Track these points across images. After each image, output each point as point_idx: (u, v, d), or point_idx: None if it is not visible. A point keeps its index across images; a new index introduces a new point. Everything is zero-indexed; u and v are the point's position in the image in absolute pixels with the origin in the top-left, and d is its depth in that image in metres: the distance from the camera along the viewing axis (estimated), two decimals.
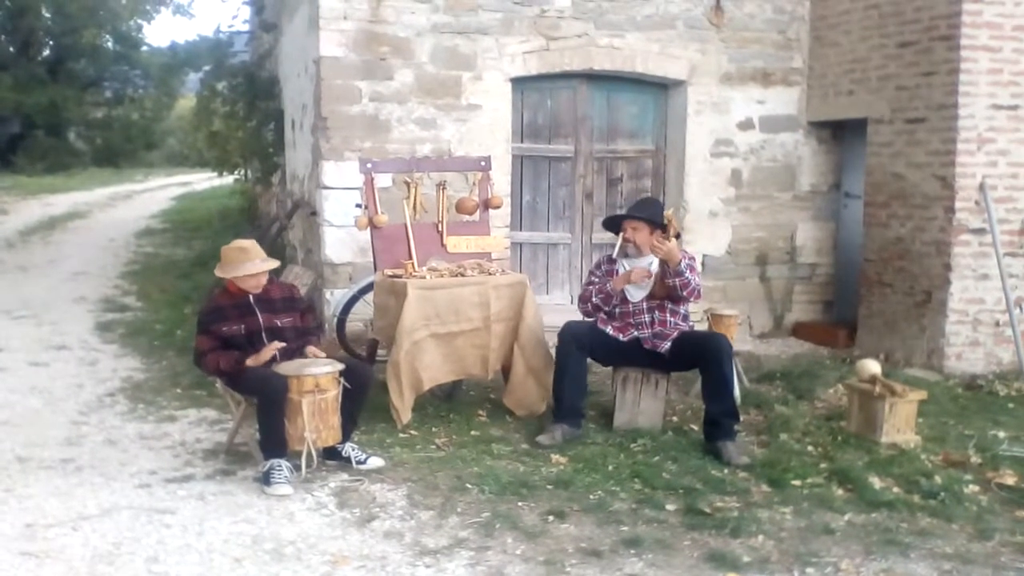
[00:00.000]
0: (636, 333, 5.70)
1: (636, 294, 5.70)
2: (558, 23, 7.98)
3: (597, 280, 5.81)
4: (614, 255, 5.82)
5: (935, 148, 7.27)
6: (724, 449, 5.25)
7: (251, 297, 5.10)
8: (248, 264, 5.05)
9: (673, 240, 5.46)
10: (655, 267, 5.61)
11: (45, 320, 8.88)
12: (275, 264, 5.22)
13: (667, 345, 5.65)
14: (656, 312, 5.68)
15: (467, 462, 5.12)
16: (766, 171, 8.70)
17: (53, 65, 31.58)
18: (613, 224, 5.90)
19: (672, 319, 5.69)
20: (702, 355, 5.50)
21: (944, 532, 4.34)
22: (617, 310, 5.74)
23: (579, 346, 5.63)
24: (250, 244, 5.21)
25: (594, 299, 5.77)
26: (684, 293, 5.53)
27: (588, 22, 8.05)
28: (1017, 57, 7.12)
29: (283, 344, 4.98)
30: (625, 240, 5.72)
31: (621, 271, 5.73)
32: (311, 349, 5.12)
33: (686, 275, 5.47)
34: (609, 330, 5.73)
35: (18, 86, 28.43)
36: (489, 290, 5.84)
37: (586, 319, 5.88)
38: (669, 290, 5.56)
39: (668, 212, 5.61)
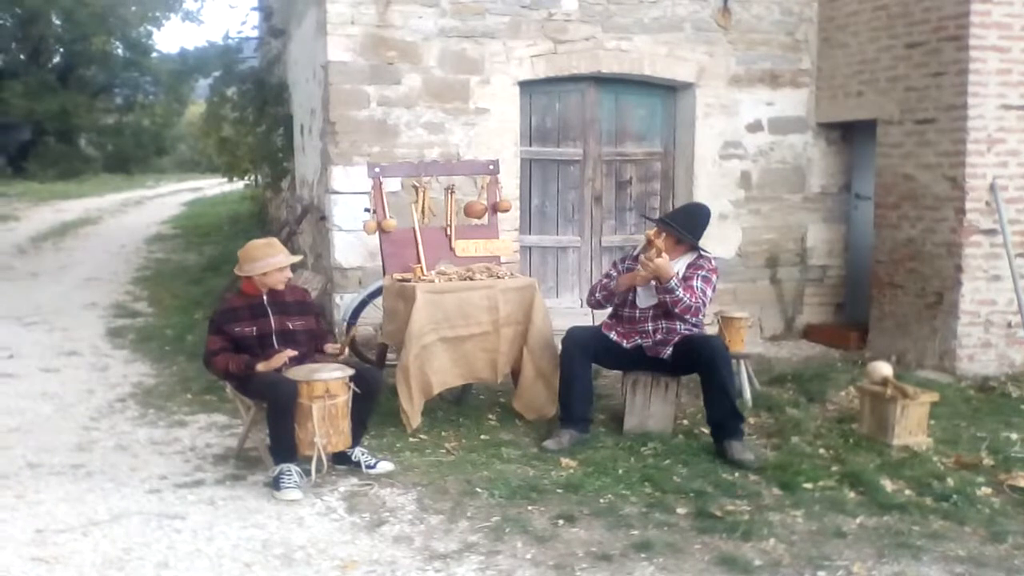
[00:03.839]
0: (639, 341, 5.67)
1: (645, 299, 5.66)
2: (565, 26, 7.98)
3: (615, 274, 5.80)
4: (635, 253, 5.81)
5: (945, 149, 7.24)
6: (729, 447, 5.24)
7: (265, 299, 5.13)
8: (275, 258, 5.12)
9: (665, 256, 5.37)
10: (680, 274, 5.55)
11: (56, 326, 8.92)
12: (299, 258, 5.39)
13: (669, 351, 5.62)
14: (663, 320, 5.62)
15: (477, 466, 5.12)
16: (775, 173, 8.67)
17: (63, 72, 31.81)
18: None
19: (681, 325, 5.62)
20: (697, 361, 5.47)
21: (956, 535, 4.32)
22: (624, 313, 5.73)
23: (582, 351, 5.62)
24: (274, 240, 5.38)
25: (598, 294, 5.79)
26: (676, 310, 5.46)
27: (595, 25, 8.04)
28: None
29: (295, 352, 5.00)
30: (648, 242, 5.67)
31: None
32: (330, 346, 5.22)
33: (677, 293, 5.38)
34: (613, 336, 5.72)
35: (29, 93, 28.63)
36: (498, 294, 5.84)
37: (593, 321, 5.86)
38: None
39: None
